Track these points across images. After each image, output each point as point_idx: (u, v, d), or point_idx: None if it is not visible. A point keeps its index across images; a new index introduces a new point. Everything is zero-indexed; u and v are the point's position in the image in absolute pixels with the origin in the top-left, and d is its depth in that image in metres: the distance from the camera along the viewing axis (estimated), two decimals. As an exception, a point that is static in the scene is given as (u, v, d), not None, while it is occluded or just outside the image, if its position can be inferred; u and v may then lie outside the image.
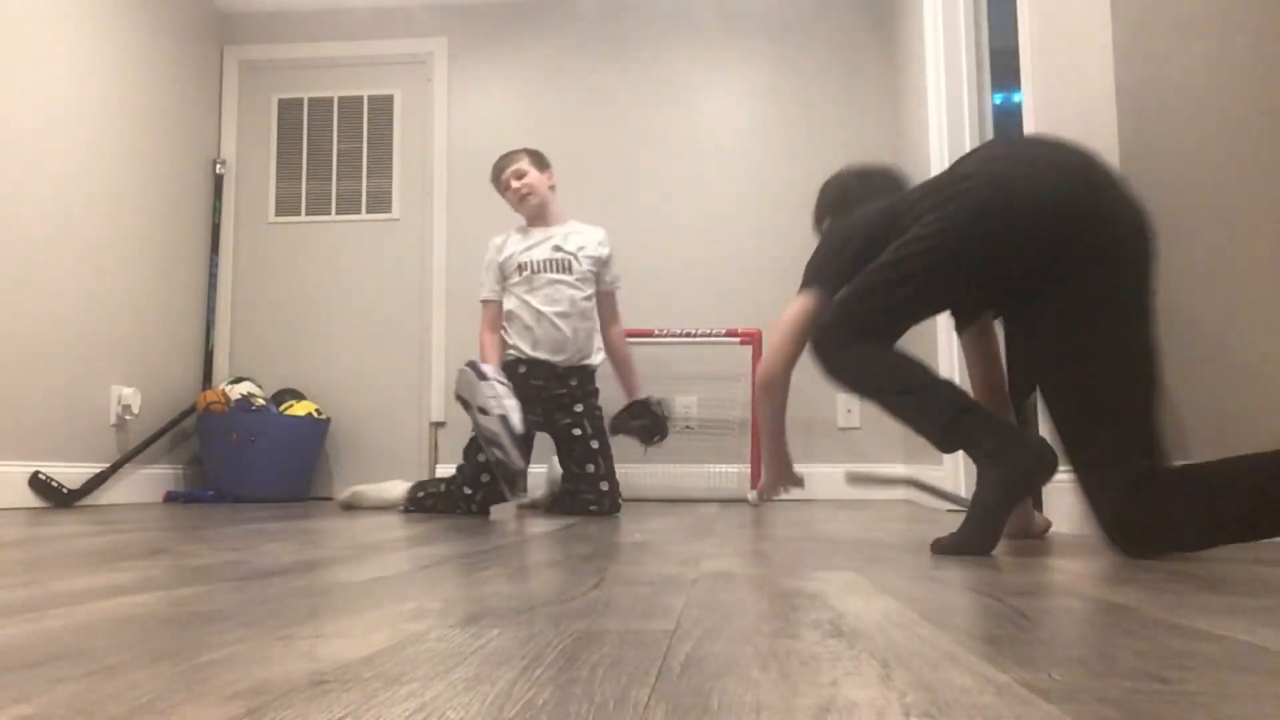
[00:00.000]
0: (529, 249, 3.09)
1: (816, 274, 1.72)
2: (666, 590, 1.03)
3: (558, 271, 3.05)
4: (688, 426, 4.27)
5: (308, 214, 4.61)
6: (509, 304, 3.08)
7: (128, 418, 3.87)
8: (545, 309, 3.03)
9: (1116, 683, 0.59)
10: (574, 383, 3.06)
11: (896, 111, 4.30)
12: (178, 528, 2.16)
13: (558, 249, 3.08)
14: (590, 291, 3.10)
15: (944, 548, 1.47)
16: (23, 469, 3.36)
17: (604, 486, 2.97)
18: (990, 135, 3.34)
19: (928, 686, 0.57)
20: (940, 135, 3.36)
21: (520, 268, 3.07)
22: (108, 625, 0.79)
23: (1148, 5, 1.93)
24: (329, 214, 4.60)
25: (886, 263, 1.51)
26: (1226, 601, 0.95)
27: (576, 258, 3.08)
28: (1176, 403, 1.84)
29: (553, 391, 3.04)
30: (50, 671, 0.61)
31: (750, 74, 4.48)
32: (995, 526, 1.43)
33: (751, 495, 3.82)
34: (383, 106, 4.63)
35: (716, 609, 0.89)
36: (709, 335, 4.01)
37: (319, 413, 4.23)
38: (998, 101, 3.51)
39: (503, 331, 3.09)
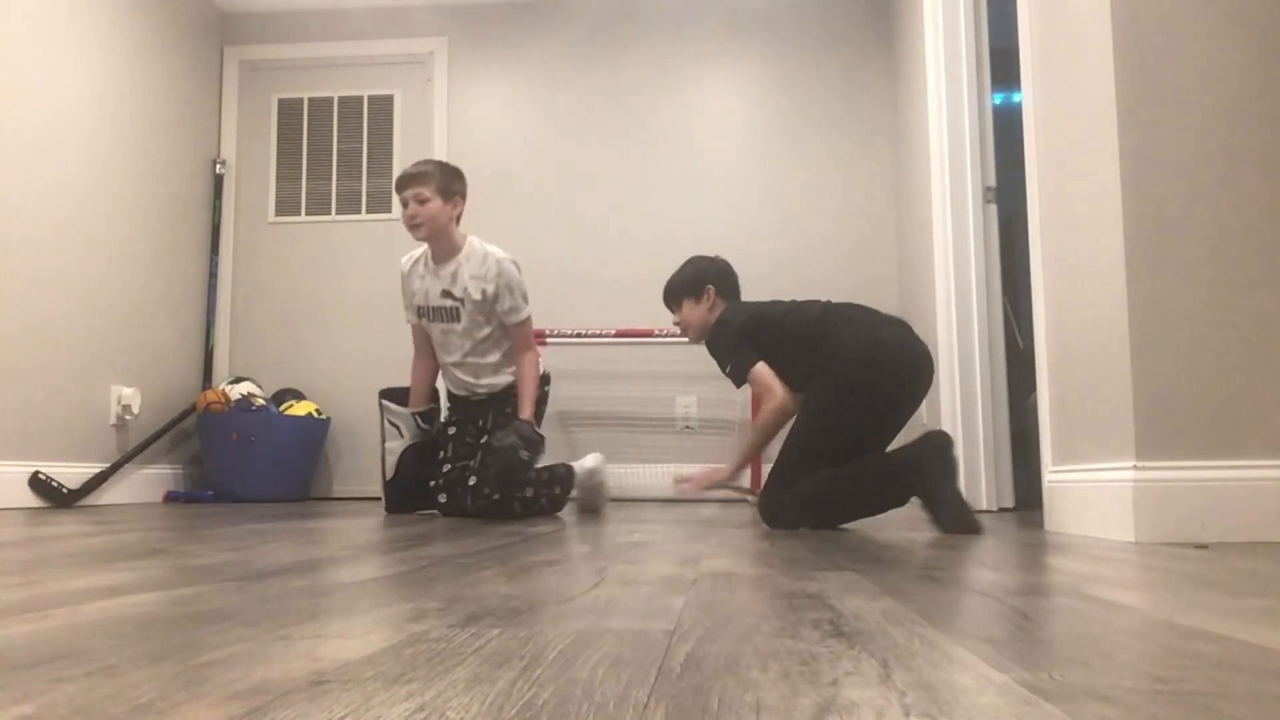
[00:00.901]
0: (425, 291, 2.96)
1: (748, 350, 2.35)
2: (666, 590, 1.03)
3: (446, 320, 2.95)
4: (688, 427, 4.26)
5: (308, 214, 4.61)
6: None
7: (128, 418, 3.87)
8: (444, 357, 3.01)
9: (1116, 683, 0.58)
10: (485, 402, 3.00)
11: (896, 111, 4.30)
12: (177, 528, 2.16)
13: (446, 294, 2.92)
14: (487, 331, 2.93)
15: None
16: (23, 469, 3.36)
17: (487, 492, 2.83)
18: (990, 135, 3.36)
19: (928, 686, 0.57)
20: (940, 135, 3.36)
21: (419, 311, 3.01)
22: (108, 625, 0.79)
23: (1148, 5, 1.93)
24: (329, 214, 4.60)
25: (815, 431, 2.25)
26: (1226, 601, 0.95)
27: (463, 304, 2.91)
28: (1175, 397, 1.84)
29: (476, 399, 3.03)
30: (50, 671, 0.61)
31: (750, 74, 4.49)
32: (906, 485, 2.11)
33: (750, 497, 3.82)
34: (383, 106, 4.63)
35: (716, 609, 0.89)
36: (709, 335, 4.00)
37: (319, 413, 4.23)
38: (998, 101, 3.51)
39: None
